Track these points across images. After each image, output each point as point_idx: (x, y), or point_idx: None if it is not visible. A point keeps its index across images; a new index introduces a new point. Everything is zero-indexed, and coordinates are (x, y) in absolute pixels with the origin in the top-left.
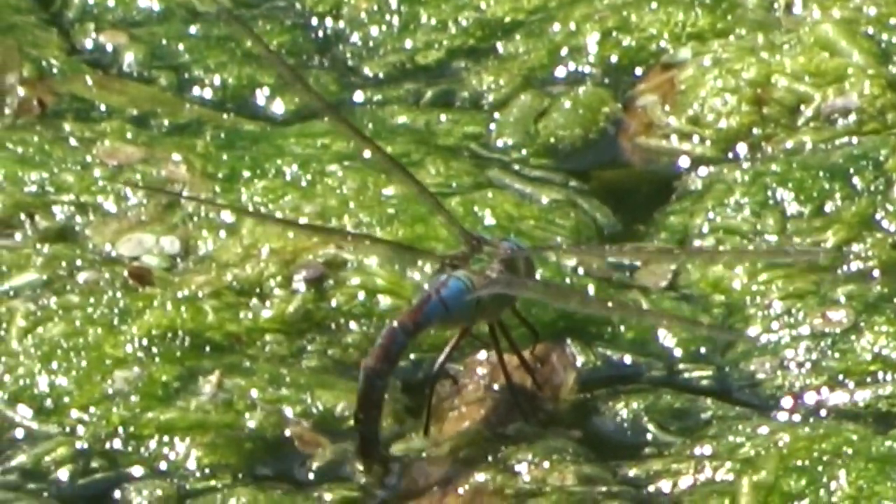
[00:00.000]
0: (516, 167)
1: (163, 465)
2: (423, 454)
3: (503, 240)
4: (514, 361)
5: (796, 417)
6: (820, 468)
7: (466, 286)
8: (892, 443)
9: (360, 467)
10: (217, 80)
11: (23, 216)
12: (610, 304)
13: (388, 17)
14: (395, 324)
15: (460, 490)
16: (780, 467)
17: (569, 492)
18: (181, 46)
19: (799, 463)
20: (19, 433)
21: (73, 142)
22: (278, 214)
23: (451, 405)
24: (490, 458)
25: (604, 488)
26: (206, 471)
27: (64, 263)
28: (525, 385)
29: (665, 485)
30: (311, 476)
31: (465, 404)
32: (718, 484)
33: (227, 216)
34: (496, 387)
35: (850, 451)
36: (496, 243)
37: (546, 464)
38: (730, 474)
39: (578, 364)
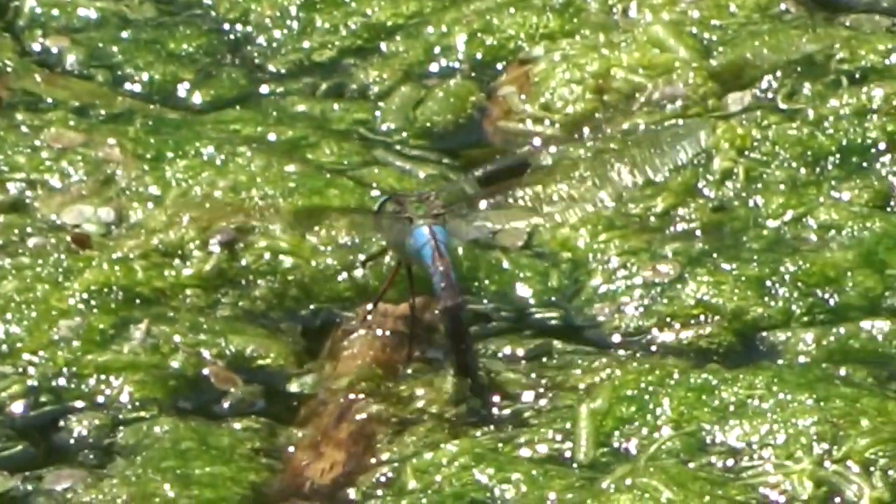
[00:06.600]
0: (398, 147)
1: (100, 399)
2: (322, 388)
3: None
4: (399, 310)
5: (629, 353)
6: (647, 397)
7: (442, 228)
8: (707, 375)
9: (453, 384)
10: (145, 76)
11: None
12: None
13: (288, 22)
14: (443, 266)
15: (356, 417)
16: (613, 396)
17: (444, 418)
18: (115, 48)
19: (629, 392)
20: None
21: (24, 129)
22: (197, 189)
23: (344, 346)
24: (381, 390)
25: (473, 408)
26: (136, 404)
27: (16, 230)
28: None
29: (516, 410)
30: (224, 409)
31: (357, 345)
32: (561, 410)
33: (155, 189)
34: (381, 331)
35: (671, 381)
36: (412, 194)
37: (427, 394)
38: (571, 402)
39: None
